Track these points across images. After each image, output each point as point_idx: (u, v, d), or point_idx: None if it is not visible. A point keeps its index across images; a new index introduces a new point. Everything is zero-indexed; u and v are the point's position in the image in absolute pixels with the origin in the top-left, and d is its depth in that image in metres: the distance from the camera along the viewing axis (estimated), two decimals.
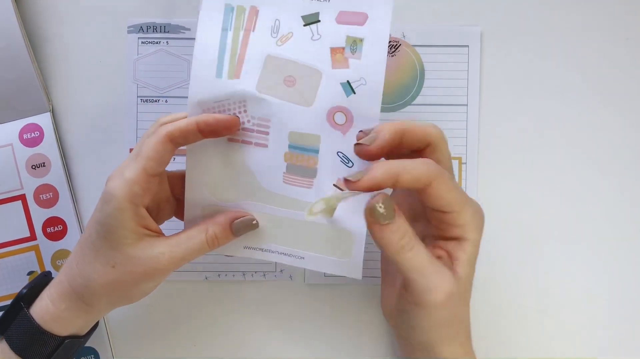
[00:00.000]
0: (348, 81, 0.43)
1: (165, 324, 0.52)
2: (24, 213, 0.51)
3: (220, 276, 0.52)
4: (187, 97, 0.52)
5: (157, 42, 0.53)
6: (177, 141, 0.41)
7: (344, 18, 0.43)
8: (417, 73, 0.53)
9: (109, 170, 0.51)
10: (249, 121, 0.43)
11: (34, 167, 0.51)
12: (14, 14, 0.50)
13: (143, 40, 0.53)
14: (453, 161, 0.51)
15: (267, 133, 0.43)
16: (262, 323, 0.52)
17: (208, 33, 0.43)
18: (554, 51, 0.53)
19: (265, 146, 0.44)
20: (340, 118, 0.43)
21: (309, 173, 0.43)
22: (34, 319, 0.42)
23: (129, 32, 0.53)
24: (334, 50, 0.43)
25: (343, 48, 0.43)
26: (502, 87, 0.53)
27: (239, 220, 0.43)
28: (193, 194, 0.44)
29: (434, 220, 0.41)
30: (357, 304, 0.52)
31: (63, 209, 0.52)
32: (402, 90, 0.52)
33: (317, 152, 0.43)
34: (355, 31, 0.43)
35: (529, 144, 0.53)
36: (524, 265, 0.52)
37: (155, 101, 0.53)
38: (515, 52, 0.53)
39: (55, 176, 0.51)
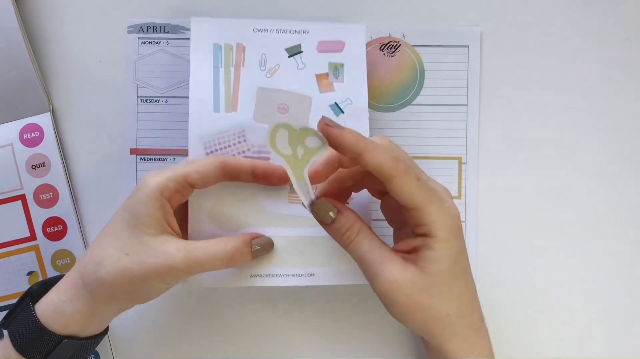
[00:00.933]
0: (336, 102, 0.48)
1: (165, 324, 0.52)
2: (24, 213, 0.51)
3: None
4: (187, 97, 0.52)
5: (157, 42, 0.53)
6: (229, 170, 0.43)
7: (323, 47, 0.49)
8: (417, 74, 0.53)
9: (109, 170, 0.52)
10: (249, 149, 0.47)
11: (34, 167, 0.51)
12: (14, 14, 0.50)
13: (143, 40, 0.53)
14: (453, 161, 0.52)
15: (267, 159, 0.46)
16: (262, 322, 0.52)
17: (201, 71, 0.47)
18: (553, 51, 0.53)
19: None
20: None
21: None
22: (35, 314, 0.42)
23: (129, 32, 0.53)
24: (319, 77, 0.48)
25: (327, 74, 0.48)
26: (502, 87, 0.53)
27: (258, 238, 0.44)
28: (197, 225, 0.45)
29: (406, 217, 0.42)
30: (356, 304, 0.52)
31: (63, 209, 0.52)
32: (402, 90, 0.53)
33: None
34: (335, 58, 0.49)
35: (528, 144, 0.53)
36: (523, 264, 0.52)
37: (156, 101, 0.53)
38: (515, 52, 0.53)
39: (55, 176, 0.51)
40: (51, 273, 0.51)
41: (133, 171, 0.52)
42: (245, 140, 0.47)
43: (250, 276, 0.46)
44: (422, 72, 0.53)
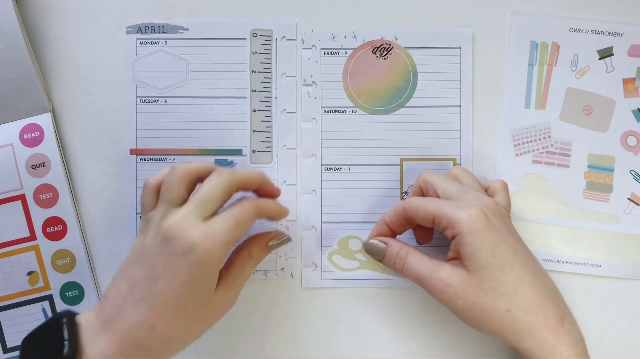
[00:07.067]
0: (638, 108, 0.51)
1: None
2: (23, 213, 0.51)
3: None
4: (186, 97, 0.53)
5: (155, 43, 0.53)
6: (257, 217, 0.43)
7: (635, 51, 0.51)
8: (409, 76, 0.53)
9: (109, 170, 0.52)
10: (552, 145, 0.51)
11: (34, 166, 0.51)
12: (14, 14, 0.49)
13: (142, 40, 0.53)
14: (448, 162, 0.53)
15: (568, 156, 0.51)
16: (262, 322, 0.52)
17: (517, 68, 0.52)
18: None
19: (567, 166, 0.51)
20: (632, 141, 0.51)
21: (606, 189, 0.51)
22: None
23: (128, 32, 0.53)
24: (625, 81, 0.51)
25: (634, 79, 0.51)
26: (495, 88, 0.53)
27: (274, 239, 0.47)
28: None
29: (446, 236, 0.44)
30: (355, 304, 0.53)
31: (63, 209, 0.51)
32: (395, 92, 0.53)
33: (612, 170, 0.51)
34: None
35: None
36: None
37: (155, 101, 0.53)
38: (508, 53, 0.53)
39: (55, 176, 0.51)
40: (51, 273, 0.51)
41: (133, 171, 0.52)
42: (549, 137, 0.51)
43: (543, 259, 0.51)
44: (415, 73, 0.53)
